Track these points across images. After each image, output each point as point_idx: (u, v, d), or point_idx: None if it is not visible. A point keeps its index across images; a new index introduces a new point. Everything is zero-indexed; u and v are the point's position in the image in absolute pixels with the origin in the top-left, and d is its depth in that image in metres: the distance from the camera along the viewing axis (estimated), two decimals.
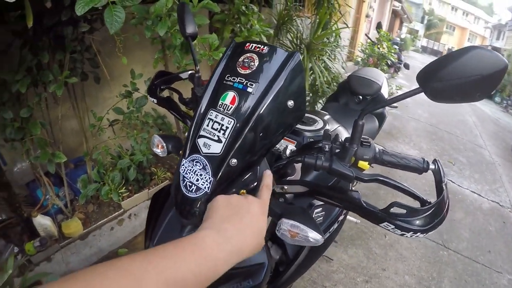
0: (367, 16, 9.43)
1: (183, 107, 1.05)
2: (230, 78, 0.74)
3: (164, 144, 0.95)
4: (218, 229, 0.52)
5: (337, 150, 0.73)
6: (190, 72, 1.07)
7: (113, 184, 1.85)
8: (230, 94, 0.72)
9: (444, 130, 6.20)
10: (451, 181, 4.04)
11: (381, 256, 2.47)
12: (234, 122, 0.70)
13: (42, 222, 1.82)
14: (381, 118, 2.07)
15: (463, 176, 4.29)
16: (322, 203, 1.06)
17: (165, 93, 1.11)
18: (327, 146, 0.74)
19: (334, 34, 3.66)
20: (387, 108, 2.23)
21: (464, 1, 45.53)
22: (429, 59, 30.91)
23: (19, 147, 1.74)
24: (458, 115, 7.87)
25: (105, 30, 1.78)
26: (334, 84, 3.50)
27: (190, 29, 0.96)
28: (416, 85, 0.61)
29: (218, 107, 0.73)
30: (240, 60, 0.75)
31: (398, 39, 7.33)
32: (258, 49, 0.75)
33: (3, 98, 1.60)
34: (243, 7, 2.05)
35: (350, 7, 4.43)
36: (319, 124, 1.16)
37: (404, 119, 6.13)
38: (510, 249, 3.03)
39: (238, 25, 2.14)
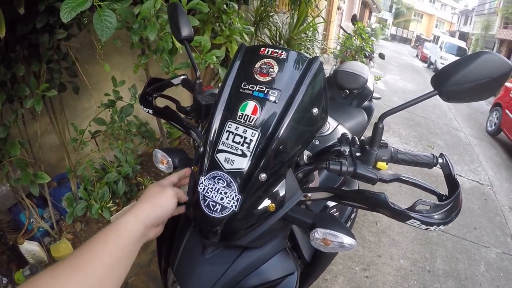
0: (338, 8, 9.57)
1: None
2: (247, 86, 0.70)
3: (169, 159, 0.88)
4: (136, 214, 0.61)
5: (358, 154, 0.72)
6: (182, 77, 1.01)
7: (103, 202, 1.76)
8: (251, 104, 0.68)
9: (420, 115, 6.39)
10: None
11: (375, 243, 2.52)
12: (259, 134, 0.66)
13: (30, 248, 1.73)
14: (370, 111, 2.10)
15: None
16: (335, 203, 1.05)
17: (160, 103, 1.04)
18: (346, 150, 0.73)
19: (311, 29, 3.67)
20: (373, 100, 2.27)
21: None
22: (399, 46, 31.89)
23: None
24: (432, 99, 8.06)
25: (82, 35, 1.71)
26: None
27: (185, 31, 0.89)
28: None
29: (238, 119, 0.68)
30: (256, 66, 0.71)
31: (369, 29, 7.45)
32: (276, 54, 0.71)
33: None
34: (224, 6, 2.00)
35: (325, 0, 4.46)
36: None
37: (381, 107, 6.24)
38: (494, 224, 3.17)
39: (218, 24, 2.08)
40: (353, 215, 1.26)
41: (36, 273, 1.66)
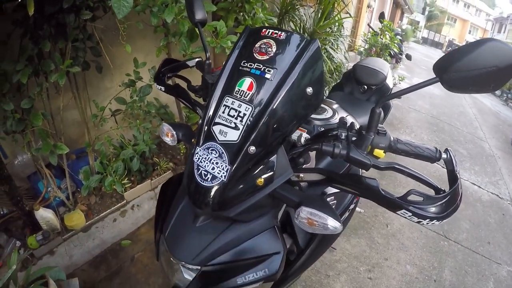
0: (368, 6, 9.34)
1: (192, 95, 1.03)
2: (246, 64, 0.73)
3: (174, 133, 0.93)
4: None
5: (354, 138, 0.72)
6: (197, 59, 1.06)
7: (116, 175, 1.83)
8: (247, 80, 0.71)
9: (445, 121, 6.19)
10: None
11: (383, 246, 2.48)
12: (252, 109, 0.69)
13: (44, 215, 1.81)
14: (386, 107, 2.06)
15: (463, 168, 4.29)
16: (334, 191, 1.06)
17: (173, 81, 1.08)
18: (343, 134, 0.74)
19: (337, 24, 3.62)
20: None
21: None
22: (430, 50, 30.87)
23: (20, 139, 1.71)
24: (459, 106, 7.86)
25: (107, 18, 1.76)
26: (337, 73, 3.48)
27: (199, 15, 0.94)
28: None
29: (234, 94, 0.72)
30: (256, 46, 0.74)
31: (399, 29, 7.27)
32: (276, 35, 0.74)
33: (4, 89, 1.56)
34: None
35: None
36: (329, 113, 1.15)
37: (405, 110, 6.11)
38: (509, 241, 3.04)
39: (242, 13, 2.10)
40: (352, 206, 1.25)
41: (48, 239, 1.75)
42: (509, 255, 2.83)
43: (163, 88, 1.02)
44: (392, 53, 4.82)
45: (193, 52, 1.58)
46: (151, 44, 2.32)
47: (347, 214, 1.22)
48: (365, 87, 1.98)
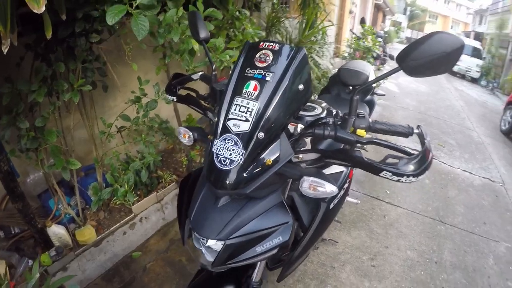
0: (350, 12, 9.61)
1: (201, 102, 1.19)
2: (250, 70, 0.92)
3: (190, 133, 1.10)
4: None
5: (339, 122, 0.90)
6: (200, 73, 1.25)
7: (128, 186, 1.93)
8: (252, 83, 0.89)
9: (432, 116, 6.37)
10: (442, 162, 4.21)
11: (383, 235, 2.59)
12: (258, 104, 0.87)
13: (57, 231, 1.87)
14: (371, 105, 2.23)
15: (453, 157, 4.46)
16: (330, 172, 1.22)
17: (182, 92, 1.25)
18: (330, 120, 0.91)
19: (321, 32, 3.81)
20: (375, 96, 2.39)
21: None
22: None
23: (33, 157, 1.80)
24: (445, 100, 8.08)
25: (112, 40, 1.89)
26: (324, 79, 3.65)
27: (203, 33, 1.13)
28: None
29: (243, 94, 0.90)
30: (257, 56, 0.93)
31: (382, 32, 7.54)
32: (271, 46, 0.94)
33: (19, 109, 1.66)
34: (237, 13, 2.19)
35: (333, 4, 4.60)
36: (318, 110, 1.31)
37: (393, 108, 6.31)
38: (504, 219, 3.18)
39: (232, 29, 2.26)
40: (346, 185, 1.43)
41: (61, 254, 1.85)
42: (506, 232, 2.96)
43: (175, 98, 1.19)
44: (375, 55, 5.03)
45: (195, 67, 1.74)
46: (150, 63, 2.47)
47: (342, 192, 1.40)
48: (350, 87, 2.13)
